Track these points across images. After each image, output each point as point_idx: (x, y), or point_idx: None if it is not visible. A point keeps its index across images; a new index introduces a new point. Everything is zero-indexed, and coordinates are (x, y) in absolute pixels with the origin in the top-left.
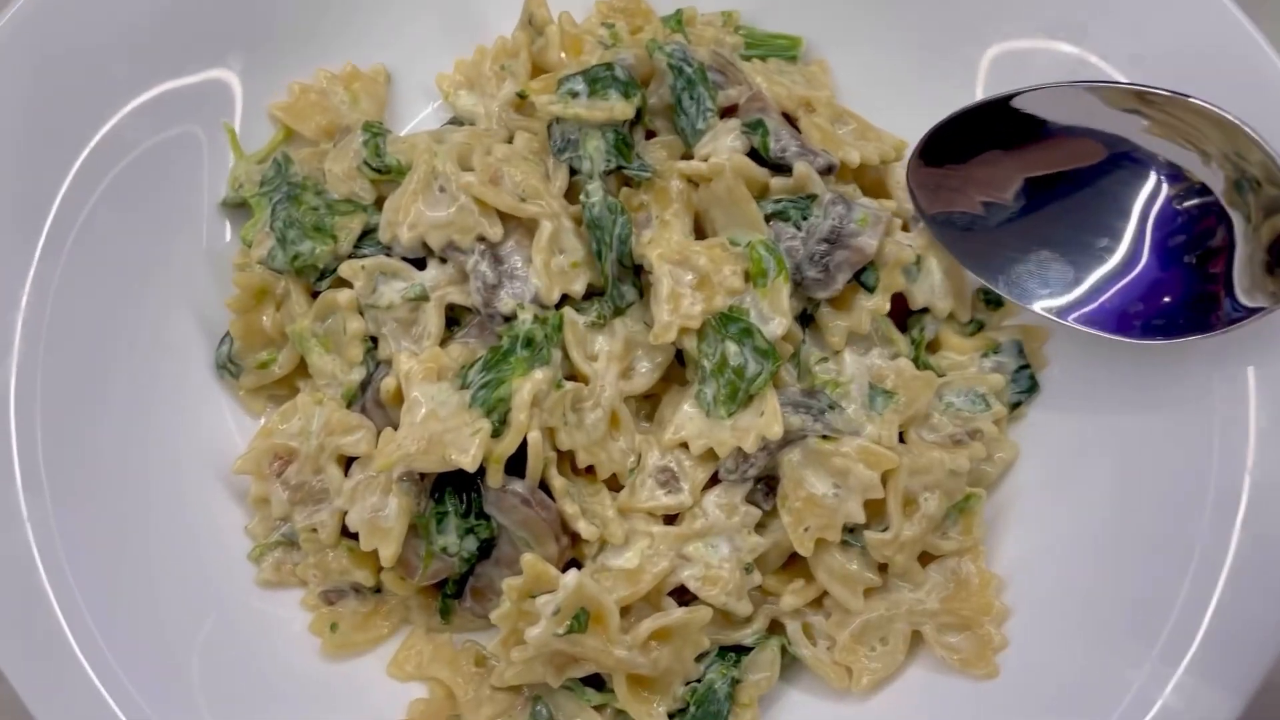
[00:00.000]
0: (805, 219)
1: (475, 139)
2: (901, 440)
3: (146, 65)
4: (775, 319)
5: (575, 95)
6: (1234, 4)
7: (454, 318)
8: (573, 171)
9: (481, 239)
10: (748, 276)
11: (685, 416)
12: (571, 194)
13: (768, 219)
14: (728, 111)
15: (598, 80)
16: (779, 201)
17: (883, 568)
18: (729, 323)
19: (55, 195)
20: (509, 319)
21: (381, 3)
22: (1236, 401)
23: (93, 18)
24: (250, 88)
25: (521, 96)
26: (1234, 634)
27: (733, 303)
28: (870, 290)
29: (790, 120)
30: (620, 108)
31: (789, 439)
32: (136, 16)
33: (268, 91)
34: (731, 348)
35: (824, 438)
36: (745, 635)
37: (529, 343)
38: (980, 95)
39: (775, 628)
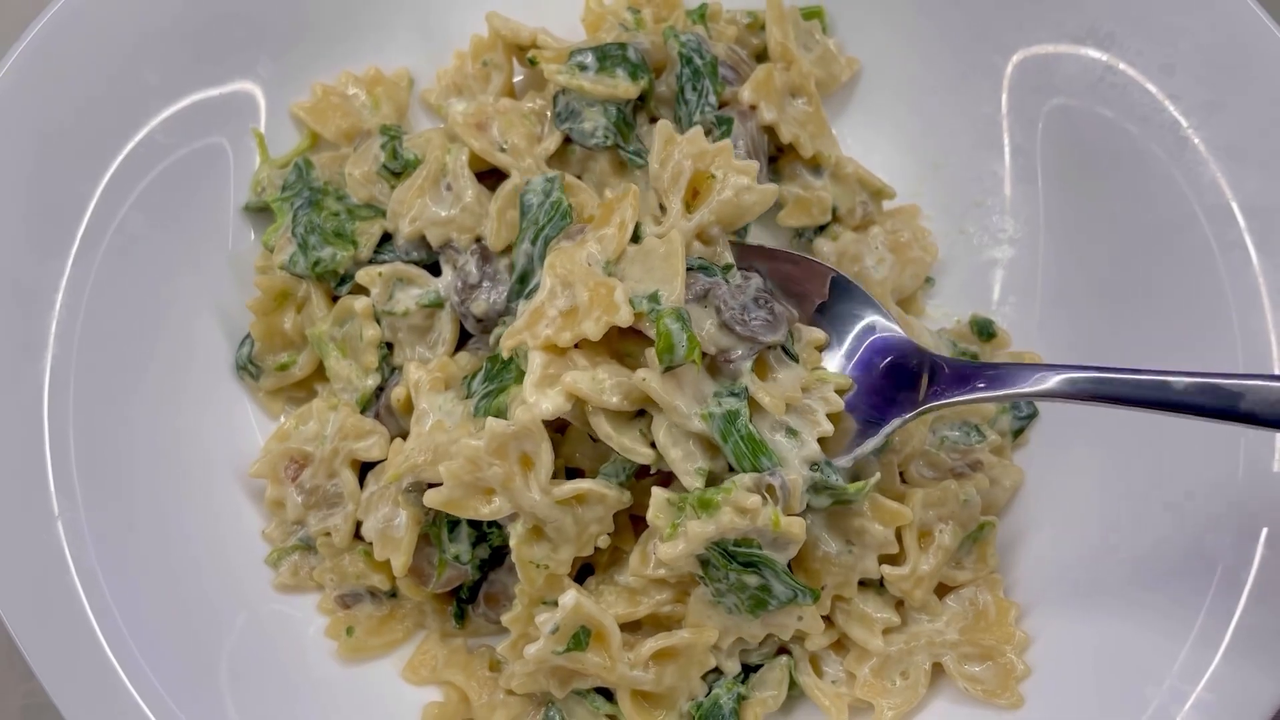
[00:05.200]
0: (727, 281)
1: None
2: (903, 480)
3: (177, 76)
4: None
5: (584, 68)
6: (1265, 13)
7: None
8: (568, 141)
9: (479, 239)
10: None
11: (705, 615)
12: (564, 163)
13: (690, 270)
14: (724, 105)
15: (608, 57)
16: (700, 259)
17: (899, 603)
18: (732, 559)
19: (89, 202)
20: (480, 320)
21: (419, 11)
22: None
23: (125, 28)
24: (276, 98)
25: (532, 63)
26: (1254, 652)
27: (741, 533)
28: (795, 360)
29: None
30: (625, 87)
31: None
32: (168, 26)
33: (293, 101)
34: (752, 579)
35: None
36: (753, 654)
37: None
38: (1005, 104)
39: (786, 647)
